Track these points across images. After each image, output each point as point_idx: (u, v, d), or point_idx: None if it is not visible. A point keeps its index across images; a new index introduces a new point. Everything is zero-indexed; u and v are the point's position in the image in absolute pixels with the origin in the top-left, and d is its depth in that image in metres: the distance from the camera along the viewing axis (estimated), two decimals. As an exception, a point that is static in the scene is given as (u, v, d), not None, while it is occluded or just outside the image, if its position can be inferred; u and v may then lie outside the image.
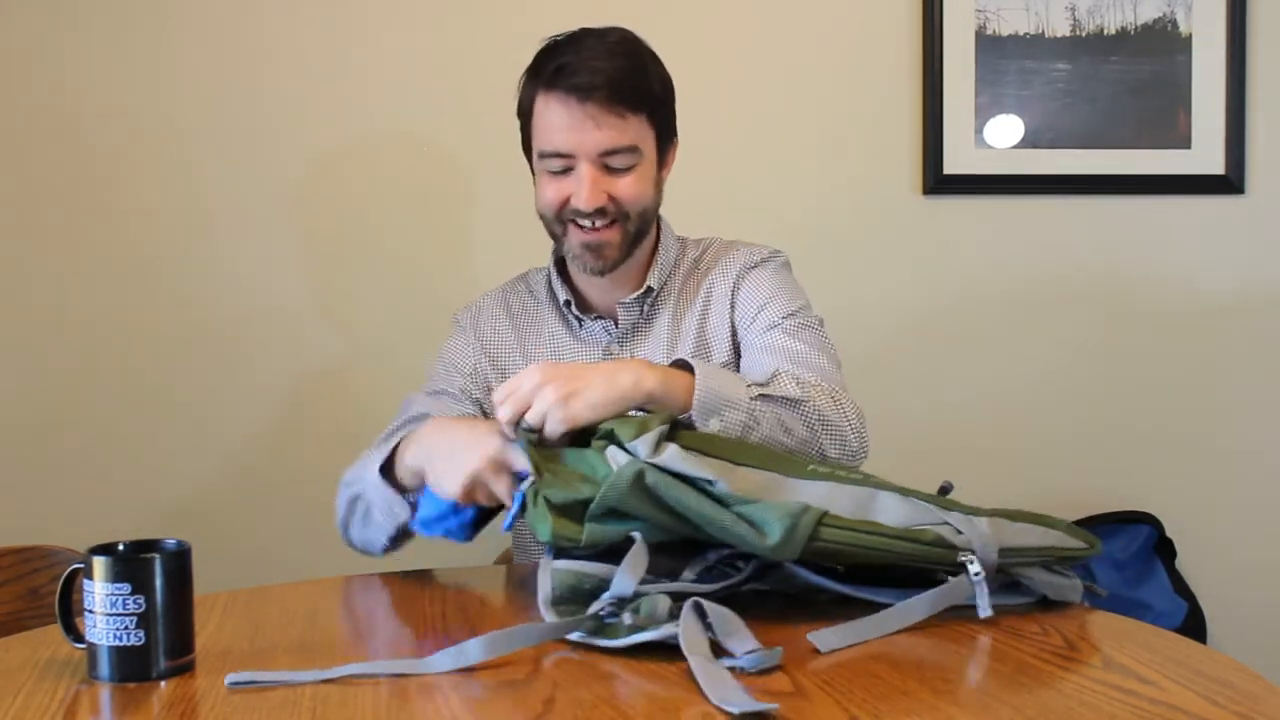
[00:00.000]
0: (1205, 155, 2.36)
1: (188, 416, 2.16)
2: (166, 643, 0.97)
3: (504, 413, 1.22)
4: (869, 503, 1.11)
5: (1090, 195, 2.36)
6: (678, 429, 1.19)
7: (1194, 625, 2.24)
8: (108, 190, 2.13)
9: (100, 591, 0.96)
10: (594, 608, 1.04)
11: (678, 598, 1.04)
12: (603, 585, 1.08)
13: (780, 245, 1.64)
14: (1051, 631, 1.06)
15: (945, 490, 1.19)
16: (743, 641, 0.97)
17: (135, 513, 2.12)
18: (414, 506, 1.38)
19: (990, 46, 2.31)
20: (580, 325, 1.58)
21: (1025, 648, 1.02)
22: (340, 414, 2.16)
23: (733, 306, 1.55)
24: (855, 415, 1.35)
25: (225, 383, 2.16)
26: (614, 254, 1.50)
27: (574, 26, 1.49)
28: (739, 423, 1.26)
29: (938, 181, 2.31)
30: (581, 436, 1.21)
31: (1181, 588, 2.29)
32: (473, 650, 0.98)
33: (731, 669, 0.94)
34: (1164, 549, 2.32)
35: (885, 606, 1.07)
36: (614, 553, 1.10)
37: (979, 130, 2.32)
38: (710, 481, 1.08)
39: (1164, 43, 2.35)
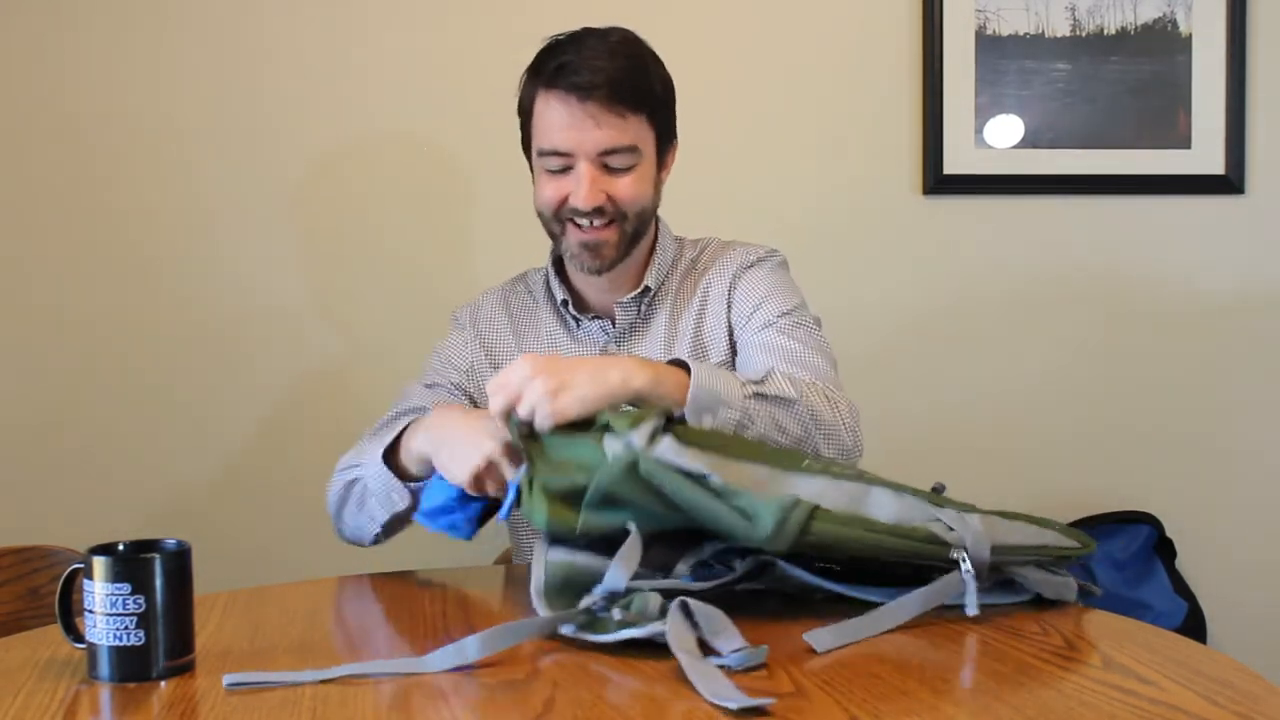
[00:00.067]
0: (1205, 155, 2.36)
1: (188, 416, 2.16)
2: (166, 643, 0.98)
3: (494, 405, 1.23)
4: (862, 498, 1.11)
5: (1090, 195, 2.36)
6: (673, 423, 1.19)
7: (1194, 625, 2.24)
8: (108, 190, 2.13)
9: (100, 591, 0.96)
10: (585, 601, 1.05)
11: (670, 595, 1.04)
12: (596, 578, 1.08)
13: (780, 245, 1.64)
14: (1051, 631, 1.06)
15: (938, 491, 1.19)
16: (730, 640, 0.97)
17: (135, 513, 2.12)
18: (415, 495, 1.38)
19: (990, 46, 2.31)
20: (578, 325, 1.58)
21: (1025, 648, 1.02)
22: (340, 414, 2.16)
23: (729, 306, 1.55)
24: (849, 413, 1.35)
25: (225, 383, 2.16)
26: (611, 254, 1.50)
27: (574, 26, 1.49)
28: (733, 421, 1.26)
29: (938, 181, 2.31)
30: (573, 427, 1.21)
31: (1181, 588, 2.29)
32: (470, 648, 0.99)
33: (720, 667, 0.94)
34: (1164, 549, 2.32)
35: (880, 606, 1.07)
36: (609, 543, 1.10)
37: (979, 130, 2.32)
38: (704, 475, 1.08)
39: (1164, 43, 2.35)
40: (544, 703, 0.90)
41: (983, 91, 2.31)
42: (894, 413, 2.27)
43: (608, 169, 1.46)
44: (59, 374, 2.12)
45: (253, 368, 2.17)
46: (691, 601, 1.01)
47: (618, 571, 1.06)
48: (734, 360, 1.53)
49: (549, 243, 1.57)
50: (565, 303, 1.57)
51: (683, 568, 1.14)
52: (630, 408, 1.21)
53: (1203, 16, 2.35)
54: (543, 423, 1.19)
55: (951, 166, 2.31)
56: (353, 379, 2.19)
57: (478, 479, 1.25)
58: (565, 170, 1.46)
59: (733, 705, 0.85)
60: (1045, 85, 2.33)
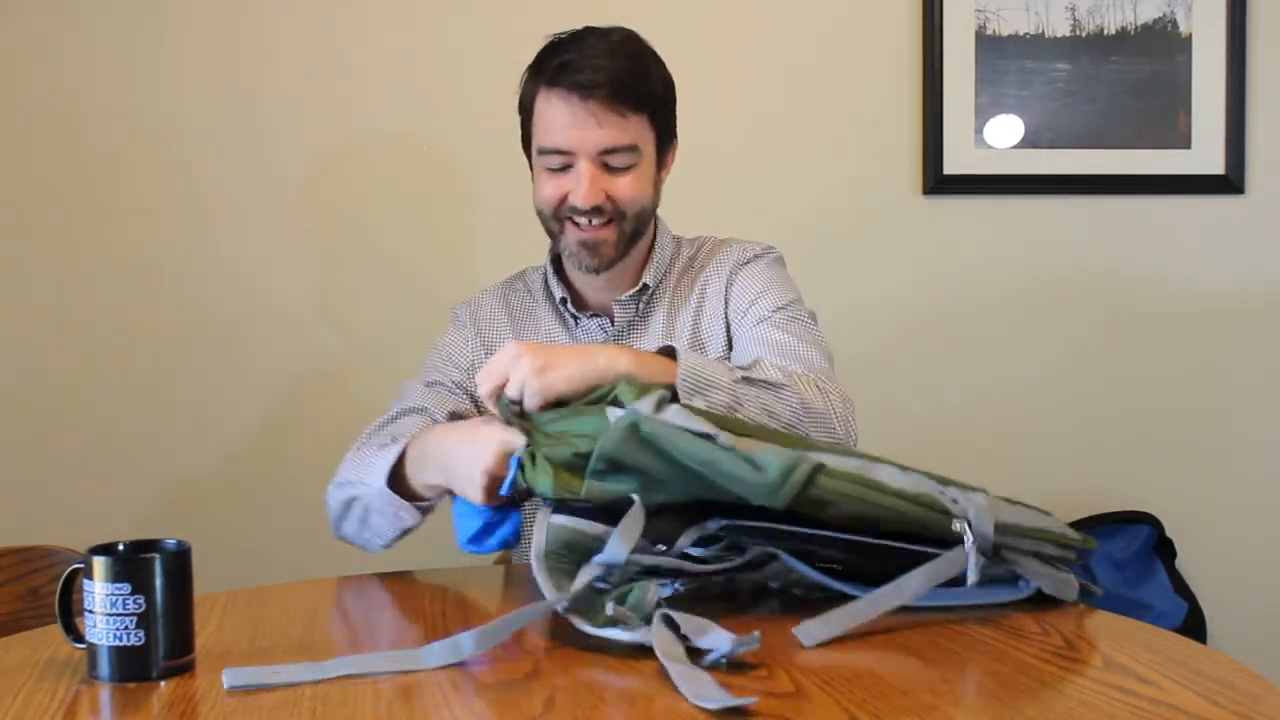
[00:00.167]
0: (1205, 155, 2.36)
1: (188, 416, 2.16)
2: (166, 643, 0.97)
3: (483, 388, 1.23)
4: (869, 468, 1.11)
5: (1090, 195, 2.36)
6: (678, 400, 1.19)
7: (1194, 625, 2.24)
8: (108, 190, 2.13)
9: (100, 591, 0.96)
10: (584, 573, 1.04)
11: (668, 574, 1.03)
12: (598, 543, 1.08)
13: (780, 245, 1.64)
14: (1051, 631, 1.06)
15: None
16: (718, 638, 0.96)
17: (135, 513, 2.12)
18: (424, 512, 1.38)
19: (990, 46, 2.31)
20: (576, 323, 1.58)
21: (1025, 648, 1.02)
22: (340, 414, 2.16)
23: (726, 302, 1.55)
24: (842, 404, 1.35)
25: (225, 383, 2.16)
26: (610, 252, 1.50)
27: (574, 26, 1.50)
28: (722, 404, 1.26)
29: (938, 181, 2.31)
30: (563, 407, 1.21)
31: (1181, 588, 2.29)
32: (465, 643, 0.99)
33: (713, 665, 0.93)
34: (1164, 549, 2.32)
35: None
36: (613, 514, 1.10)
37: (979, 130, 2.32)
38: (711, 435, 1.07)
39: (1164, 43, 2.35)
40: (544, 702, 0.90)
41: (983, 91, 2.31)
42: (894, 413, 2.27)
43: (608, 168, 1.46)
44: (59, 374, 2.12)
45: (253, 368, 2.17)
46: (675, 613, 1.00)
47: (618, 544, 1.05)
48: (731, 356, 1.53)
49: (549, 242, 1.57)
50: (564, 301, 1.57)
51: (685, 541, 1.14)
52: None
53: (1203, 16, 2.35)
54: (531, 399, 1.20)
55: (951, 166, 2.31)
56: (353, 379, 2.19)
57: (491, 492, 1.24)
58: (565, 168, 1.46)
59: (713, 705, 0.85)
60: (1045, 85, 2.33)
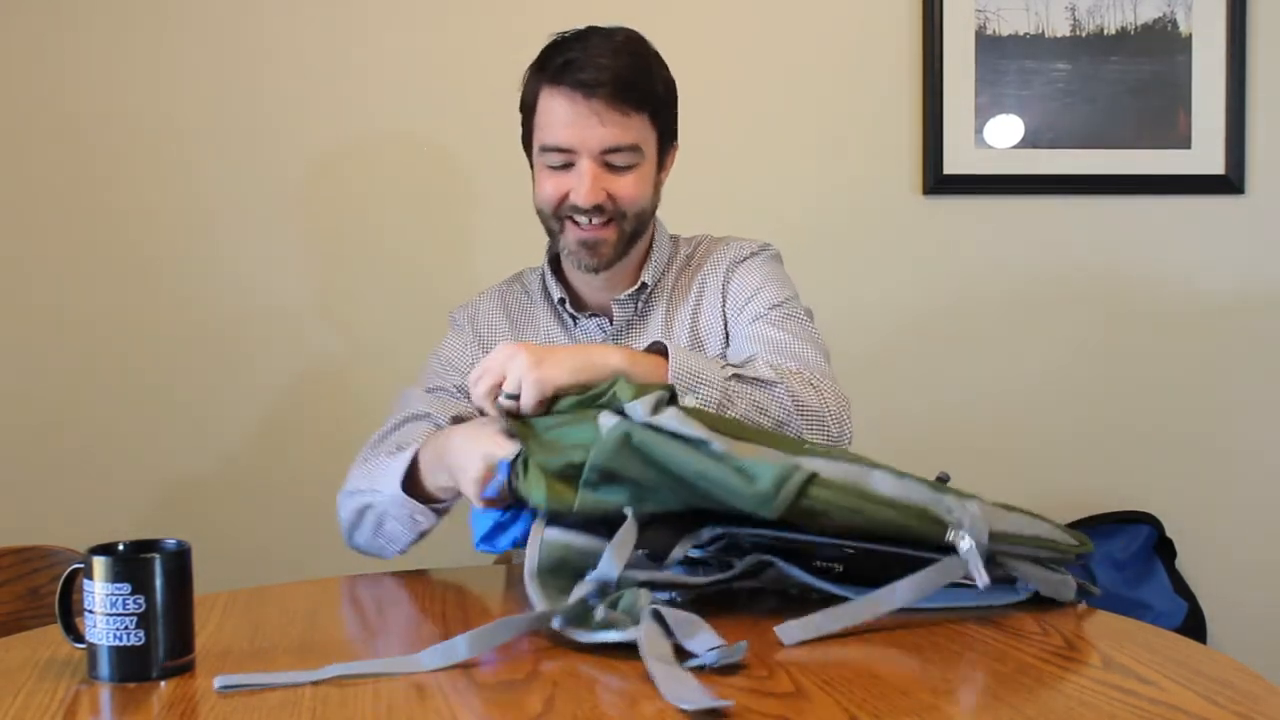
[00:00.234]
0: (1205, 155, 2.36)
1: (188, 416, 2.16)
2: (166, 643, 0.97)
3: (480, 388, 1.23)
4: (863, 476, 1.11)
5: (1090, 195, 2.36)
6: (675, 402, 1.19)
7: (1194, 625, 2.24)
8: (108, 190, 2.13)
9: (100, 591, 0.96)
10: (578, 589, 1.05)
11: (662, 587, 1.03)
12: (591, 560, 1.08)
13: (780, 245, 1.64)
14: (1051, 631, 1.06)
15: (943, 480, 1.18)
16: (706, 640, 0.96)
17: (135, 513, 2.12)
18: (440, 514, 1.39)
19: (990, 46, 2.31)
20: (575, 323, 1.58)
21: (1025, 648, 1.02)
22: (340, 414, 2.16)
23: (724, 299, 1.55)
24: (836, 402, 1.34)
25: (225, 383, 2.16)
26: (609, 252, 1.50)
27: (574, 26, 1.50)
28: (713, 401, 1.26)
29: (938, 181, 2.31)
30: (563, 412, 1.21)
31: (1181, 588, 2.29)
32: (460, 646, 0.99)
33: (698, 668, 0.93)
34: (1164, 549, 2.32)
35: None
36: (607, 525, 1.10)
37: (979, 130, 2.32)
38: (705, 441, 1.08)
39: (1164, 43, 2.35)
40: (543, 703, 0.90)
41: (983, 91, 2.31)
42: (894, 413, 2.27)
43: (609, 167, 1.46)
44: (59, 374, 2.12)
45: (253, 368, 2.17)
46: (665, 610, 1.00)
47: (610, 560, 1.05)
48: (728, 353, 1.53)
49: (547, 243, 1.57)
50: (563, 301, 1.57)
51: (679, 552, 1.13)
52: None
53: (1203, 16, 2.35)
54: (530, 395, 1.20)
55: (951, 166, 2.31)
56: (353, 379, 2.19)
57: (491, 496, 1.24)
58: (566, 167, 1.46)
59: (689, 706, 0.85)
60: (1045, 85, 2.33)
